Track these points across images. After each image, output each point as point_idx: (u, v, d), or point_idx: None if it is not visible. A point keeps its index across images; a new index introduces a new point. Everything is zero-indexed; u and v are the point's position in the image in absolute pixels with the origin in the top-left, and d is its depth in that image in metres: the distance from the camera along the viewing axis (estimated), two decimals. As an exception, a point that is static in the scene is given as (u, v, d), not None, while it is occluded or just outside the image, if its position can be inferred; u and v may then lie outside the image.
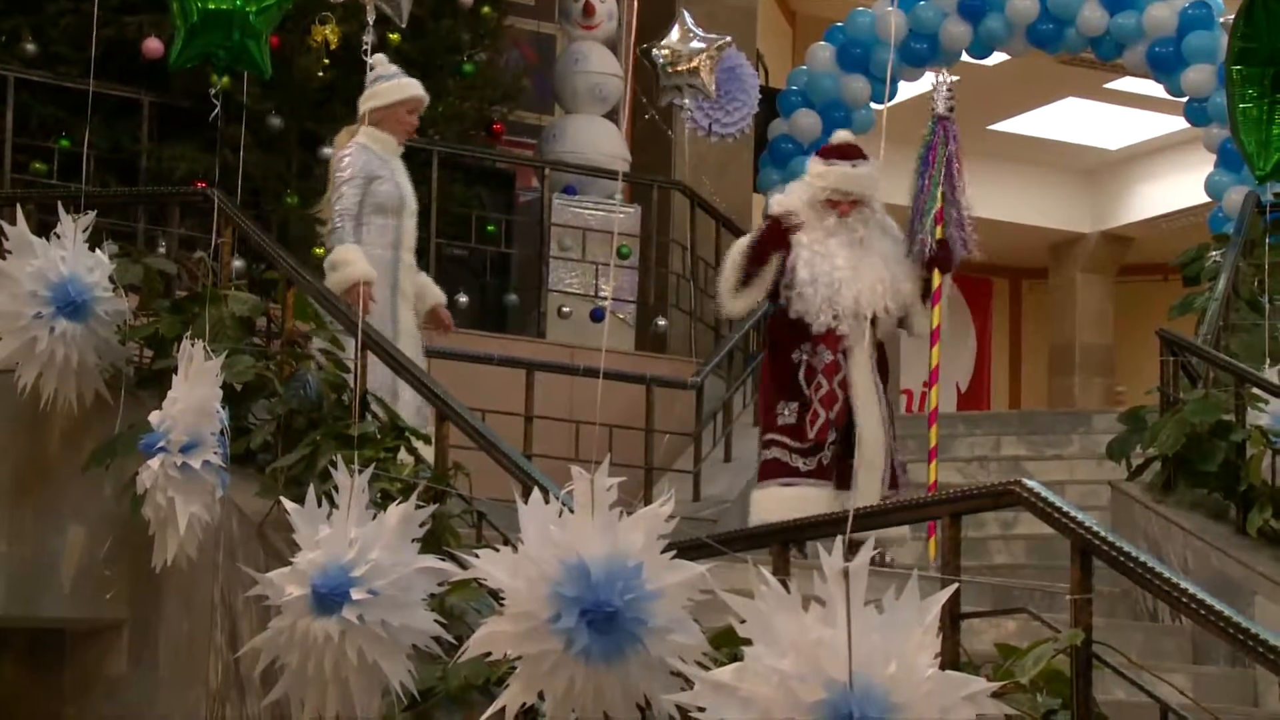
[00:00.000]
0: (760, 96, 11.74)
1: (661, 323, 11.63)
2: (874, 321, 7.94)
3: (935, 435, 8.62)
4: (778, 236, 8.04)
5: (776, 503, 7.65)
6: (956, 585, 4.19)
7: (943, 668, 3.65)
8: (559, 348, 10.38)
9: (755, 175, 13.40)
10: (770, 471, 7.97)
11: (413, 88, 7.79)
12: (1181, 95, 12.80)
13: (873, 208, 8.09)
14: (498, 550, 4.14)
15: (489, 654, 4.12)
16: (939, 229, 8.22)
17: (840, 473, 7.91)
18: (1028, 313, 20.41)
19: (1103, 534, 4.38)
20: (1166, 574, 4.33)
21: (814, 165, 8.17)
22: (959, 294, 19.45)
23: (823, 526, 5.01)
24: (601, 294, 11.19)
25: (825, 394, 7.86)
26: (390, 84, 7.73)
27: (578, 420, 8.96)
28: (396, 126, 7.74)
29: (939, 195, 8.18)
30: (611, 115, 11.98)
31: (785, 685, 3.48)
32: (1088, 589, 4.31)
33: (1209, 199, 12.89)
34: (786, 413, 7.89)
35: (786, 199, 8.22)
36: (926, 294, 8.25)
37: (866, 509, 5.86)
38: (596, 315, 11.05)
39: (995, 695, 3.69)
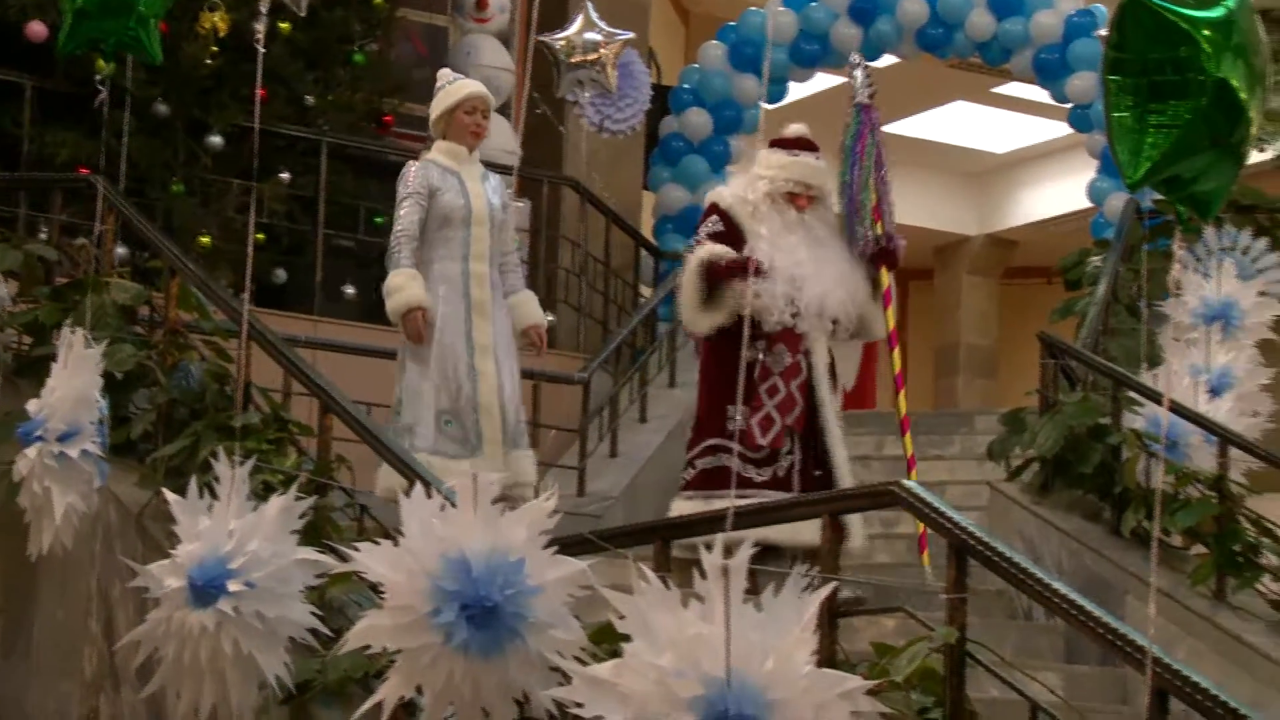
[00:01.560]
0: (652, 94, 11.76)
1: (550, 318, 11.60)
2: (835, 325, 7.46)
3: (909, 444, 8.21)
4: (731, 229, 7.42)
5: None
6: (835, 584, 4.22)
7: (820, 665, 3.68)
8: (446, 341, 10.33)
9: (646, 172, 13.41)
10: (714, 481, 7.27)
11: (462, 89, 7.63)
12: (1066, 102, 12.96)
13: (828, 205, 7.63)
14: (379, 543, 4.13)
15: (368, 647, 4.10)
16: (879, 225, 7.68)
17: (804, 485, 7.29)
18: (913, 313, 20.56)
19: (978, 534, 4.43)
20: (1039, 574, 4.38)
21: (774, 156, 7.58)
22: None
23: (703, 524, 5.02)
24: (490, 288, 11.12)
25: (783, 399, 7.27)
26: (444, 91, 7.64)
27: (463, 414, 8.92)
28: (461, 132, 7.62)
29: (872, 187, 7.65)
30: (503, 110, 11.94)
31: (663, 681, 3.49)
32: (963, 588, 4.35)
33: (1091, 204, 13.06)
34: (738, 417, 7.12)
35: (733, 189, 7.62)
36: (875, 294, 7.71)
37: (747, 508, 5.88)
38: (484, 309, 10.99)
39: (870, 693, 3.71)
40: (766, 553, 6.30)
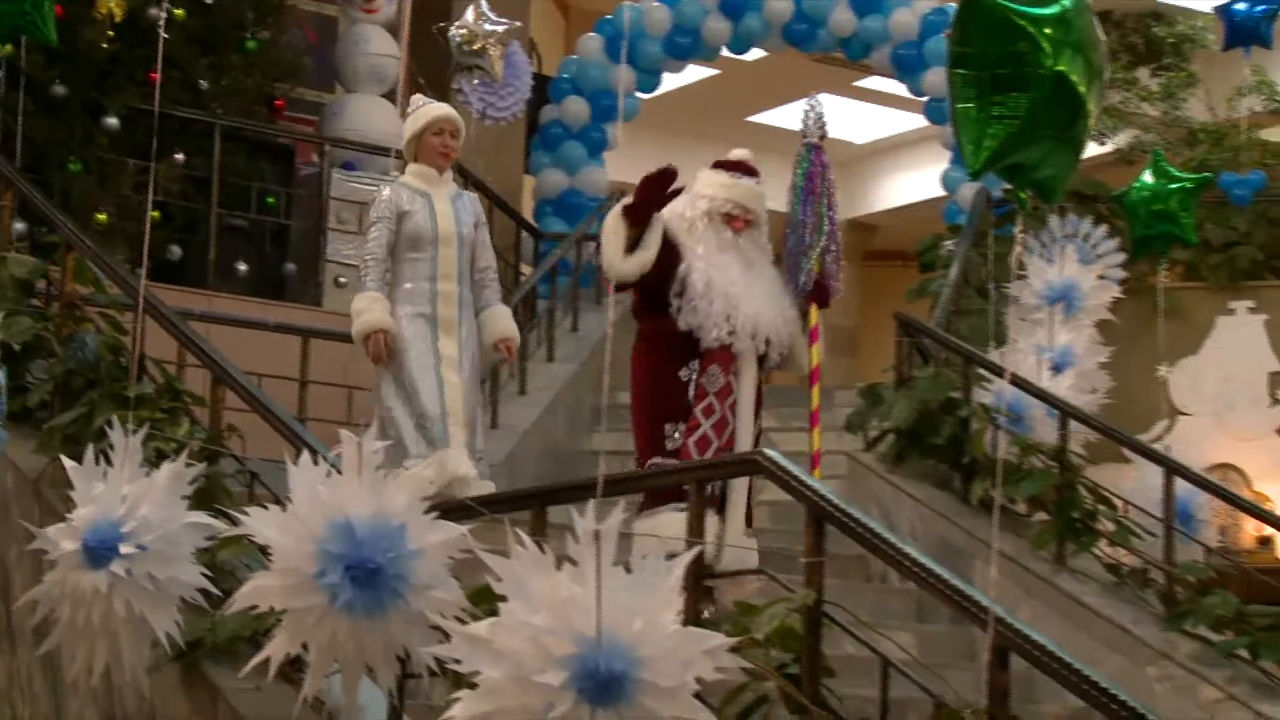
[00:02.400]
0: (533, 83, 11.75)
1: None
2: (766, 351, 7.02)
3: (818, 439, 7.55)
4: (658, 192, 6.93)
5: (678, 526, 6.01)
6: (700, 548, 4.24)
7: (685, 624, 3.70)
8: (335, 316, 10.24)
9: (526, 157, 13.41)
10: (661, 498, 6.66)
11: (430, 112, 7.42)
12: (922, 95, 13.09)
13: (762, 230, 7.23)
14: (267, 509, 4.11)
15: (256, 607, 4.08)
16: (820, 263, 7.22)
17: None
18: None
19: (836, 502, 4.47)
20: (893, 540, 4.43)
21: (716, 176, 7.22)
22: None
23: (577, 490, 5.03)
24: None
25: (718, 419, 6.83)
26: (412, 116, 7.45)
27: (351, 386, 8.89)
28: (430, 153, 7.42)
29: (824, 229, 7.19)
30: (390, 96, 11.89)
31: (537, 639, 3.49)
32: (821, 553, 4.39)
33: (945, 192, 13.20)
34: (676, 435, 6.76)
35: (671, 205, 7.11)
36: (804, 329, 7.25)
37: (620, 474, 5.89)
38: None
39: (733, 650, 3.75)
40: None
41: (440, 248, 7.29)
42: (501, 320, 7.57)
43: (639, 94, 13.51)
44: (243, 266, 10.65)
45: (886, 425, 8.94)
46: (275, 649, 4.06)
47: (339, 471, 4.06)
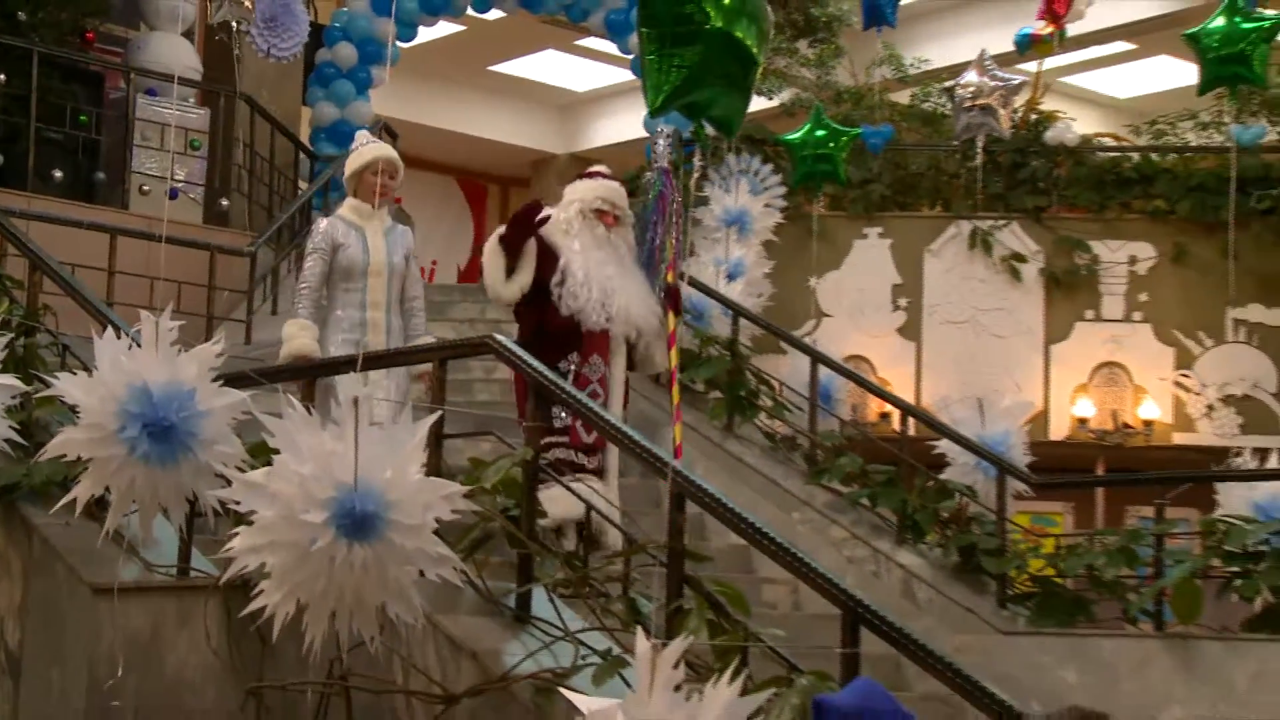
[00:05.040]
0: (310, 29, 11.45)
1: (224, 203, 11.36)
2: (635, 340, 6.59)
3: (679, 433, 6.89)
4: (526, 224, 6.54)
5: (567, 500, 5.48)
6: (441, 412, 4.23)
7: (428, 475, 3.70)
8: (140, 218, 9.95)
9: (304, 91, 13.12)
10: (557, 470, 5.83)
11: (369, 153, 6.70)
12: (629, 53, 13.10)
13: (628, 228, 6.75)
14: (76, 375, 3.99)
15: (65, 456, 3.96)
16: (670, 275, 6.72)
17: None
18: (513, 212, 20.59)
19: (552, 378, 4.49)
20: (595, 408, 4.47)
21: (582, 183, 6.79)
22: (461, 194, 19.50)
23: (340, 366, 4.96)
24: (176, 177, 10.83)
25: (600, 403, 6.21)
26: (354, 153, 6.75)
27: (151, 276, 8.63)
28: (367, 191, 6.68)
29: (670, 245, 6.67)
30: (188, 34, 11.53)
31: (304, 485, 3.46)
32: (537, 419, 4.41)
33: (645, 133, 13.25)
34: (564, 416, 6.18)
35: (554, 212, 6.71)
36: (661, 333, 6.76)
37: (373, 353, 5.78)
38: (172, 194, 10.68)
39: (466, 496, 3.76)
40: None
41: (371, 278, 6.60)
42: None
43: (399, 43, 13.26)
44: (58, 173, 10.33)
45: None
46: (82, 491, 3.97)
47: (139, 345, 3.96)
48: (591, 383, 6.39)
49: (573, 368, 6.39)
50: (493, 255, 6.48)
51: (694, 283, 8.64)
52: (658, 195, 6.68)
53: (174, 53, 11.13)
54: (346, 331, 6.61)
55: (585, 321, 6.38)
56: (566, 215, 6.61)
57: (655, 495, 7.62)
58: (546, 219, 6.50)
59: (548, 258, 6.50)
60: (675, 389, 6.77)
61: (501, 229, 6.58)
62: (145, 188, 10.64)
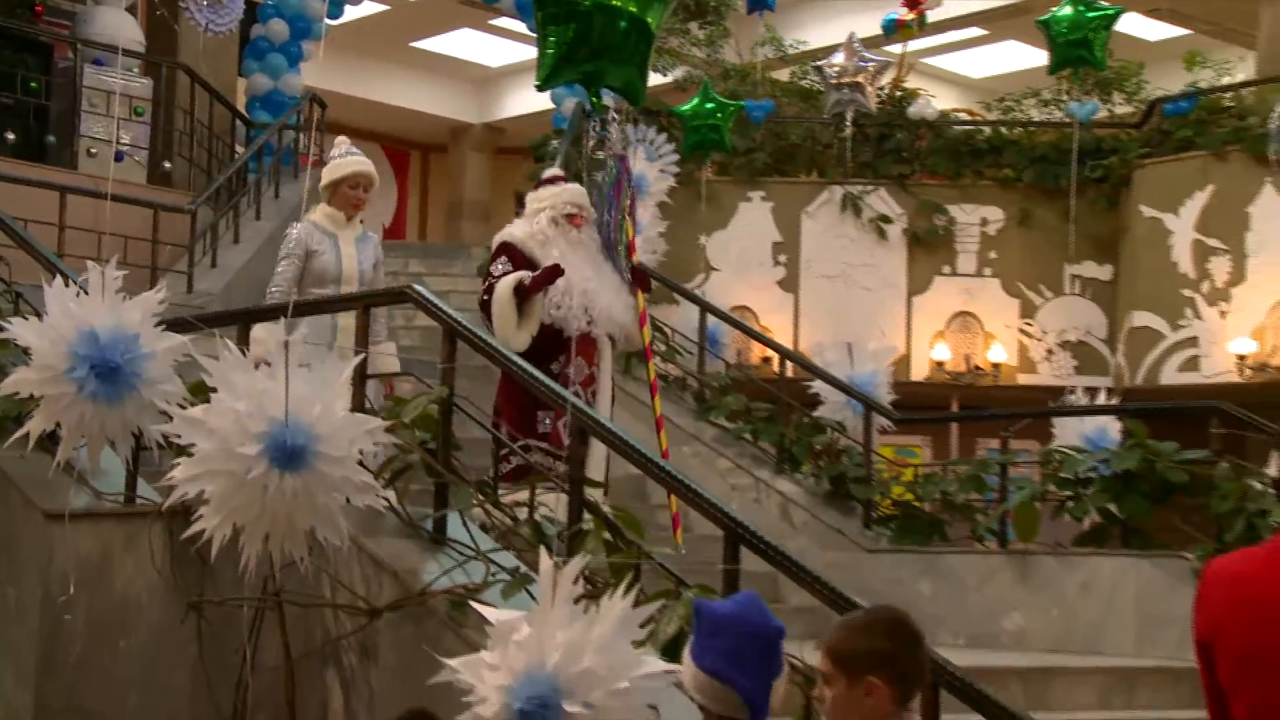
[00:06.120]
0: (245, 5, 11.23)
1: (167, 165, 11.17)
2: (618, 337, 6.20)
3: (658, 405, 6.78)
4: (520, 260, 6.04)
5: (553, 501, 5.03)
6: (363, 355, 4.20)
7: (352, 411, 3.68)
8: (88, 177, 9.74)
9: (240, 63, 12.87)
10: (528, 473, 5.33)
11: (348, 166, 6.20)
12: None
13: (593, 227, 6.26)
14: (28, 320, 3.91)
15: (19, 394, 3.88)
16: (634, 257, 6.33)
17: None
18: (433, 176, 20.32)
19: (464, 322, 4.47)
20: (504, 350, 4.46)
21: (544, 190, 6.24)
22: (386, 160, 19.25)
23: (271, 311, 4.90)
24: (122, 141, 10.61)
25: (583, 405, 5.42)
26: (334, 164, 6.25)
27: (100, 231, 8.45)
28: (343, 202, 6.19)
29: (628, 227, 6.26)
30: (131, 9, 11.27)
31: (240, 420, 3.43)
32: (452, 359, 4.39)
33: (553, 105, 13.16)
34: (547, 422, 5.79)
35: (520, 229, 6.18)
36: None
37: (303, 300, 5.68)
38: (118, 156, 10.47)
39: (387, 430, 3.75)
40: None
41: (343, 285, 6.12)
42: (386, 358, 6.08)
43: (328, 20, 13.03)
44: (11, 136, 10.07)
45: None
46: (34, 425, 3.91)
47: (86, 293, 3.90)
48: (573, 383, 5.92)
49: (560, 370, 5.92)
50: (506, 303, 5.87)
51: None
52: (614, 182, 6.32)
53: (118, 25, 10.89)
54: (318, 333, 5.95)
55: (567, 329, 5.92)
56: (538, 226, 6.10)
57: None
58: (558, 274, 5.92)
59: (527, 269, 6.01)
60: (651, 365, 6.42)
61: (511, 274, 5.91)
62: (93, 150, 10.43)
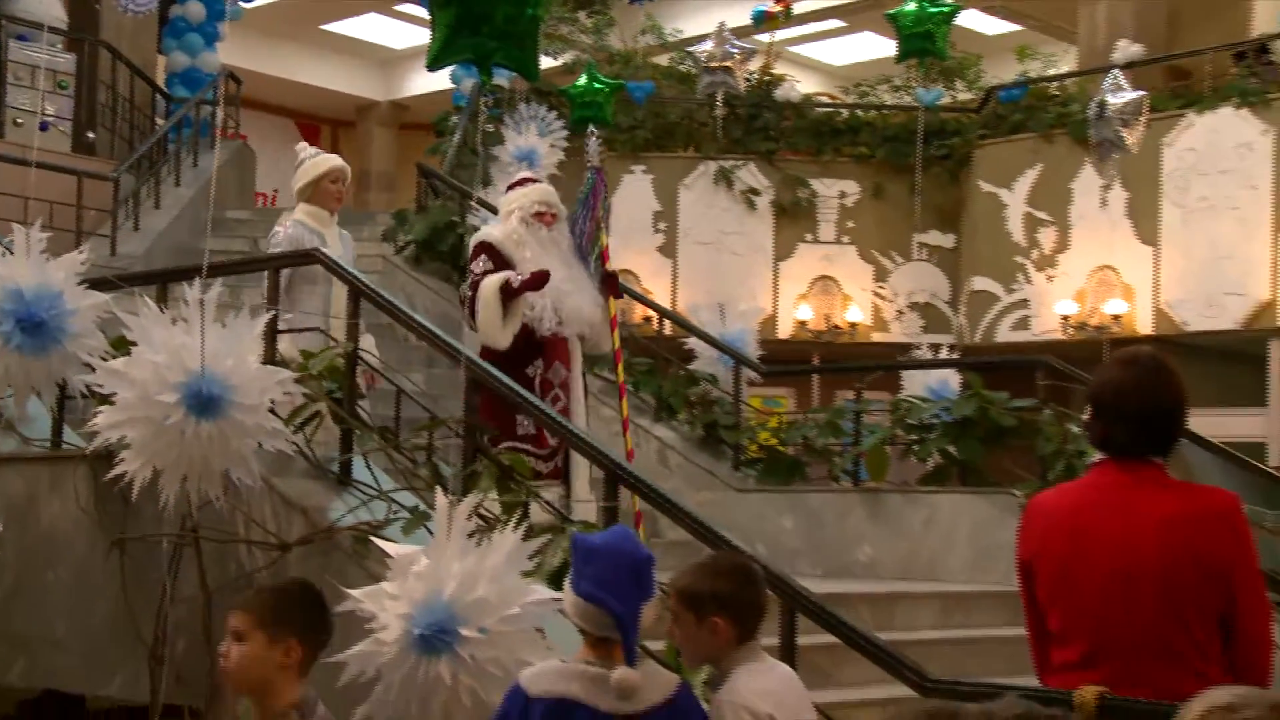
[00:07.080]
0: (164, -13, 10.94)
1: (91, 135, 10.85)
2: (586, 335, 5.78)
3: (625, 408, 6.28)
4: (499, 260, 5.58)
5: (553, 496, 4.99)
6: (274, 313, 4.14)
7: (264, 364, 3.63)
8: (14, 145, 9.42)
9: (159, 41, 12.51)
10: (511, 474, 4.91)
11: (327, 162, 5.93)
12: (439, 17, 12.78)
13: (564, 223, 5.82)
14: (-44, 280, 3.79)
15: (-52, 349, 3.77)
16: (607, 264, 5.88)
17: (565, 466, 5.57)
18: (342, 149, 19.98)
19: (372, 285, 4.43)
20: (409, 311, 4.43)
21: (514, 192, 5.79)
22: (298, 133, 18.87)
23: (187, 271, 4.79)
24: (47, 112, 10.28)
25: (562, 407, 5.47)
26: (310, 162, 5.92)
27: (27, 197, 8.18)
28: (325, 198, 5.87)
29: (603, 236, 5.86)
30: (55, -13, 10.91)
31: (158, 372, 3.38)
32: (355, 316, 4.35)
33: (453, 84, 13.02)
34: (527, 423, 5.30)
35: (495, 229, 5.75)
36: (604, 318, 5.89)
37: (219, 262, 5.52)
38: (42, 127, 10.14)
39: (296, 381, 3.71)
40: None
41: (335, 284, 5.55)
42: (366, 355, 5.57)
43: (242, 2, 12.70)
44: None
45: (410, 238, 8.87)
46: (-37, 378, 3.79)
47: (11, 254, 3.79)
48: (554, 387, 5.54)
49: (539, 373, 5.53)
50: (491, 300, 5.45)
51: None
52: (590, 191, 5.88)
53: (43, 4, 10.52)
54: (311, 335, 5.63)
55: (539, 329, 5.50)
56: (511, 227, 5.66)
57: (459, 382, 7.54)
58: (545, 280, 5.50)
59: (504, 269, 5.56)
60: (620, 368, 6.10)
61: (496, 274, 5.50)
62: (19, 120, 10.10)
